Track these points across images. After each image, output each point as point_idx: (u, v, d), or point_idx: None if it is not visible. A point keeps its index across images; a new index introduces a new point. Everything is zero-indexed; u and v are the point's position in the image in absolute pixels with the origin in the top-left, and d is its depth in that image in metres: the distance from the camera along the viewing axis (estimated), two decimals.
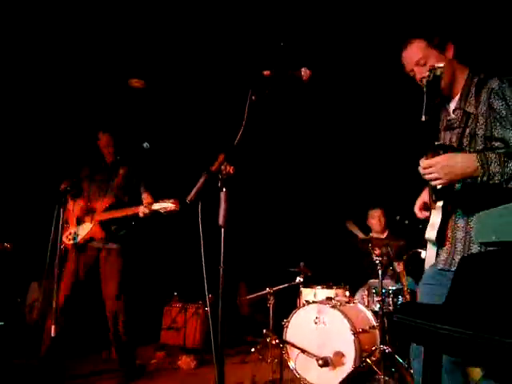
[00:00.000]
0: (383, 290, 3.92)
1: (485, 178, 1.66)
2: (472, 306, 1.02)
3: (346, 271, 5.13)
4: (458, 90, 1.93)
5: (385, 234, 5.00)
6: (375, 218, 4.96)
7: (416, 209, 2.17)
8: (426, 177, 1.74)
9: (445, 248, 1.93)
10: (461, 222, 1.88)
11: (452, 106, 1.95)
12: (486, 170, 1.65)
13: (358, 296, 4.55)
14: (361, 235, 4.86)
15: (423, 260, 2.05)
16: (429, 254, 2.00)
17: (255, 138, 1.94)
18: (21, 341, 4.44)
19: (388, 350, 3.63)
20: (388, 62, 2.13)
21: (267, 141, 5.16)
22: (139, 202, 3.83)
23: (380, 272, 3.86)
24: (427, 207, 2.07)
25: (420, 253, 3.84)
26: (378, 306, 3.86)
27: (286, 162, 6.27)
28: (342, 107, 5.44)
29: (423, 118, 1.71)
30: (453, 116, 1.94)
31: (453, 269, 1.84)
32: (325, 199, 6.27)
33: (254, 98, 1.92)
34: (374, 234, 5.04)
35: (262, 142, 4.54)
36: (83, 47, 4.65)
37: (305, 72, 2.02)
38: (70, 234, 3.84)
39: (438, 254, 1.96)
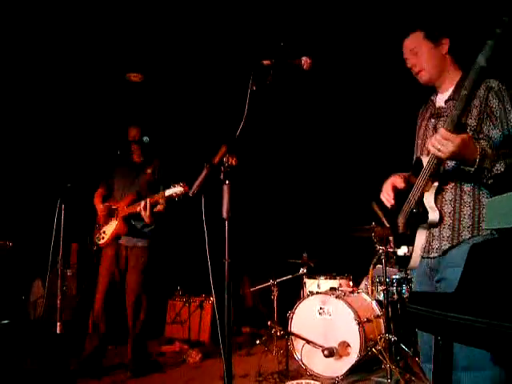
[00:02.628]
0: (387, 279, 3.92)
1: (475, 172, 1.73)
2: (484, 294, 1.01)
3: (349, 261, 5.12)
4: (447, 85, 2.02)
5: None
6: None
7: (389, 193, 2.14)
8: (435, 147, 1.73)
9: (435, 236, 1.94)
10: (448, 208, 1.90)
11: (443, 97, 2.04)
12: (481, 165, 1.71)
13: (361, 285, 4.55)
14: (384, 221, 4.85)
15: None
16: (419, 240, 1.98)
17: (257, 128, 1.91)
18: (25, 339, 4.44)
19: (393, 338, 3.64)
20: (397, 50, 2.14)
21: (269, 131, 5.12)
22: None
23: (384, 261, 3.86)
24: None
25: None
26: (382, 295, 3.86)
27: (287, 153, 6.24)
28: (347, 95, 5.39)
29: None
30: (443, 105, 2.02)
31: (442, 254, 1.89)
32: (326, 190, 6.25)
33: (254, 87, 1.89)
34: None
35: (264, 132, 4.51)
36: (80, 43, 4.61)
37: (305, 61, 1.99)
38: (101, 233, 3.93)
39: (428, 242, 1.96)
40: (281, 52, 1.98)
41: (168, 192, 3.56)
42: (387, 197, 2.16)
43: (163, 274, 5.71)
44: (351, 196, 5.88)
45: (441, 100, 2.06)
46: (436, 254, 1.93)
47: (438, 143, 1.71)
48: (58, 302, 2.85)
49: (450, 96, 1.99)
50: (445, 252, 1.88)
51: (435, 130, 1.99)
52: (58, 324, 2.80)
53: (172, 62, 5.07)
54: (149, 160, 4.02)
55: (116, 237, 3.86)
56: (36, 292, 5.22)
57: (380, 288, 4.09)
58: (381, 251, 3.89)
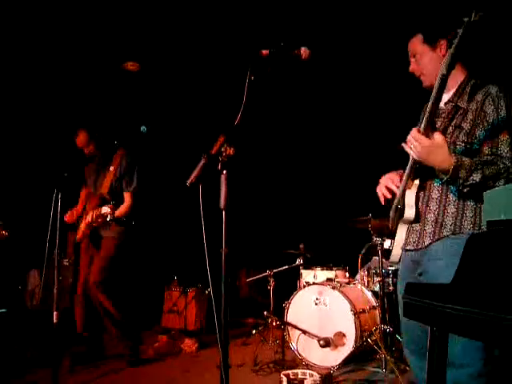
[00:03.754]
0: (383, 271, 3.93)
1: (449, 180, 1.77)
2: (480, 285, 1.01)
3: (345, 252, 5.14)
4: (451, 85, 1.96)
5: None
6: None
7: (384, 191, 2.13)
8: (408, 146, 1.81)
9: (415, 230, 1.98)
10: (433, 205, 1.93)
11: (445, 98, 2.00)
12: (453, 174, 1.73)
13: (358, 277, 4.57)
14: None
15: None
16: (399, 235, 2.04)
17: (255, 118, 1.90)
18: (22, 327, 4.46)
19: (388, 329, 3.67)
20: (397, 43, 2.13)
21: (267, 121, 5.11)
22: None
23: (380, 252, 3.87)
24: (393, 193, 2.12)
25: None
26: (378, 286, 3.88)
27: (284, 144, 6.23)
28: (345, 87, 5.37)
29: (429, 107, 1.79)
30: (443, 106, 2.00)
31: (419, 248, 1.94)
32: (324, 181, 6.25)
33: (252, 77, 1.88)
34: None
35: (262, 122, 4.50)
36: (76, 32, 4.56)
37: (304, 51, 1.98)
38: (77, 230, 3.99)
39: (407, 235, 2.01)
40: (279, 43, 1.96)
41: (102, 210, 3.62)
42: (382, 192, 2.15)
43: (160, 263, 5.72)
44: (348, 187, 5.89)
45: (444, 100, 2.02)
46: (411, 247, 1.97)
47: (410, 142, 1.78)
48: (55, 291, 2.85)
49: (450, 98, 1.98)
50: (427, 246, 1.92)
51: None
52: (55, 313, 2.80)
53: (169, 52, 5.03)
54: (110, 154, 3.92)
55: (82, 238, 3.93)
56: (33, 281, 5.23)
57: (376, 279, 4.11)
58: (378, 242, 3.90)
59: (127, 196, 3.88)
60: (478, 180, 1.72)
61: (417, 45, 2.01)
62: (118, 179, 3.87)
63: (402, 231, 2.03)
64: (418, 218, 1.96)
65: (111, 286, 3.82)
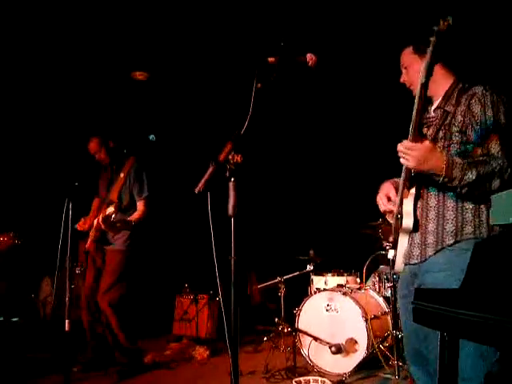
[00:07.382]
0: (394, 276, 3.90)
1: (445, 180, 1.75)
2: (489, 290, 1.00)
3: (356, 258, 5.11)
4: (439, 92, 2.00)
5: None
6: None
7: (384, 200, 2.10)
8: (402, 157, 1.79)
9: (416, 243, 1.94)
10: (432, 214, 1.90)
11: (434, 105, 2.04)
12: (448, 173, 1.72)
13: (369, 282, 4.54)
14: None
15: None
16: (401, 244, 2.01)
17: (263, 125, 1.91)
18: (35, 336, 4.49)
19: (400, 335, 3.62)
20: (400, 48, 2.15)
21: (275, 128, 5.11)
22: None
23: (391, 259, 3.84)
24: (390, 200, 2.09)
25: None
26: (390, 291, 3.85)
27: (293, 149, 6.23)
28: (354, 92, 5.36)
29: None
30: (432, 114, 2.02)
31: (423, 260, 1.90)
32: (333, 186, 6.23)
33: (259, 85, 1.89)
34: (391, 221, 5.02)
35: (269, 129, 4.51)
36: (85, 41, 4.62)
37: (310, 58, 1.99)
38: (89, 236, 3.97)
39: (409, 248, 1.97)
40: (285, 49, 1.97)
41: (107, 211, 3.59)
42: (384, 203, 2.12)
43: (171, 271, 5.74)
44: (358, 192, 5.86)
45: (434, 106, 2.06)
46: (416, 261, 1.94)
47: (403, 153, 1.76)
48: (67, 299, 2.88)
49: (438, 104, 2.00)
50: (430, 257, 1.88)
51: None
52: (67, 322, 2.82)
53: (177, 60, 5.07)
54: (121, 162, 3.95)
55: (94, 242, 3.91)
56: (45, 290, 5.27)
57: (387, 285, 4.08)
58: (388, 248, 3.88)
59: (140, 204, 3.88)
60: (473, 178, 1.71)
61: (407, 56, 2.06)
62: (127, 186, 3.89)
63: (403, 240, 2.00)
64: (416, 226, 1.93)
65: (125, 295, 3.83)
